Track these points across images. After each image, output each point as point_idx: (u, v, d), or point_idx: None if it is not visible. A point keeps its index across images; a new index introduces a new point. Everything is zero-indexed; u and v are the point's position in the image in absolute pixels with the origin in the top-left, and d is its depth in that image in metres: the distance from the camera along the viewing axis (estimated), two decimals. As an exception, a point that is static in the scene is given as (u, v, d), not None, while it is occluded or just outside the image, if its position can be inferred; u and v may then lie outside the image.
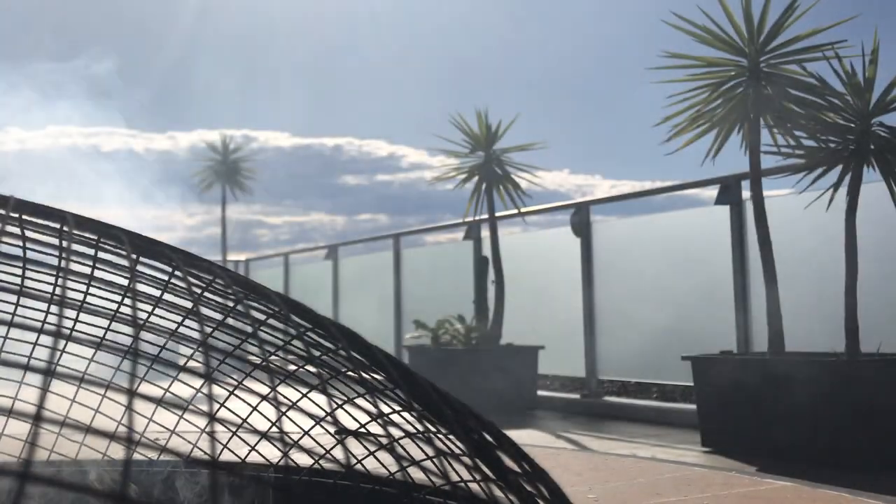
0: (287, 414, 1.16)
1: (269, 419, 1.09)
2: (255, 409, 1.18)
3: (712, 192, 4.51)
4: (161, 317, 1.06)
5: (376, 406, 0.76)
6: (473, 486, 0.74)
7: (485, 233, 6.15)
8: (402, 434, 0.76)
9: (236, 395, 1.12)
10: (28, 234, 0.85)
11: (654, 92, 3.86)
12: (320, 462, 1.30)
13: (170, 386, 1.27)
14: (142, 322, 1.06)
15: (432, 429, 0.84)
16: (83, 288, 1.03)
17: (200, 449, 1.35)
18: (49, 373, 0.48)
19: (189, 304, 1.00)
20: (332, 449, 1.13)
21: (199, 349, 1.07)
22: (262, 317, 0.88)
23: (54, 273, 0.89)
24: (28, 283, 0.99)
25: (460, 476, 0.72)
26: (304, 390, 1.06)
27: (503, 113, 5.87)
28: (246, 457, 1.35)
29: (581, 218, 5.44)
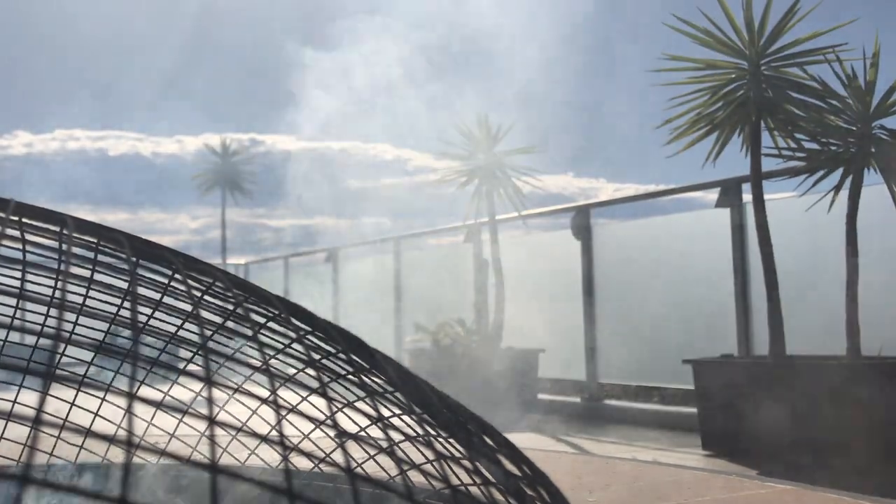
0: (287, 417, 1.15)
1: (268, 423, 1.09)
2: (254, 412, 1.18)
3: (713, 194, 4.50)
4: (161, 320, 1.06)
5: (376, 409, 0.76)
6: (474, 490, 0.73)
7: (485, 235, 6.15)
8: (403, 437, 0.76)
9: (236, 399, 1.12)
10: (28, 237, 0.85)
11: (659, 95, 3.85)
12: (320, 466, 1.30)
13: (169, 389, 1.27)
14: (141, 325, 1.06)
15: (432, 432, 0.83)
16: (83, 291, 1.03)
17: (200, 452, 1.35)
18: (49, 376, 0.48)
19: (189, 308, 1.00)
20: (331, 452, 1.13)
21: (199, 352, 1.07)
22: (262, 320, 0.88)
23: (54, 276, 0.89)
24: (28, 286, 0.99)
25: (461, 480, 0.72)
26: (305, 394, 1.06)
27: (505, 116, 5.86)
28: (246, 460, 1.35)
29: (581, 221, 5.44)
